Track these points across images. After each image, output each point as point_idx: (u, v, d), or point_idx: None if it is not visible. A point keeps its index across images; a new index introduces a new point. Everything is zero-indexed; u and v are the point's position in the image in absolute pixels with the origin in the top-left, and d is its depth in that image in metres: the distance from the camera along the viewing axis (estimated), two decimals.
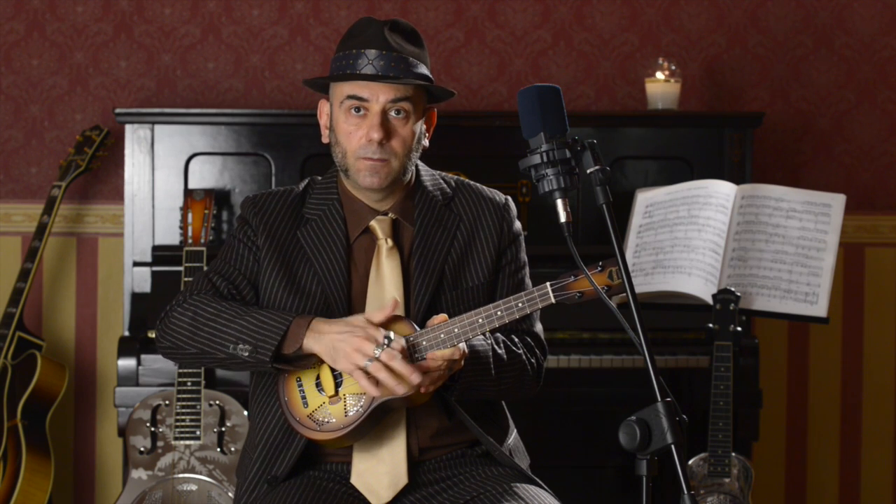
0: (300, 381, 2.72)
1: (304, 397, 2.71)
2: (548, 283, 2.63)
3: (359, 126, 2.76)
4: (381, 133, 2.74)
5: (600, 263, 2.59)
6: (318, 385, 2.71)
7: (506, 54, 4.85)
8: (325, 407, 2.69)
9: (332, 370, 2.70)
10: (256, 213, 2.84)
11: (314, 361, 2.70)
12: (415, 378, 2.61)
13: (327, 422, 2.69)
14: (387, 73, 2.73)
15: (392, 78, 2.73)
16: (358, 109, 2.76)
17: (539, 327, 2.90)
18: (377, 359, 2.61)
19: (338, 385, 2.70)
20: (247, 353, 2.67)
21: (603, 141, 4.38)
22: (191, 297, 2.77)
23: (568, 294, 2.61)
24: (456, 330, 2.64)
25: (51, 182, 4.69)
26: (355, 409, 2.68)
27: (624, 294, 2.30)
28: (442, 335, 2.64)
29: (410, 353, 2.64)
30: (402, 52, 2.75)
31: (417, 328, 2.68)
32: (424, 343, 2.65)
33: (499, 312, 2.64)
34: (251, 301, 2.81)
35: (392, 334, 2.62)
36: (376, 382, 2.62)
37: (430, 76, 2.80)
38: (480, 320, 2.64)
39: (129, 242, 4.43)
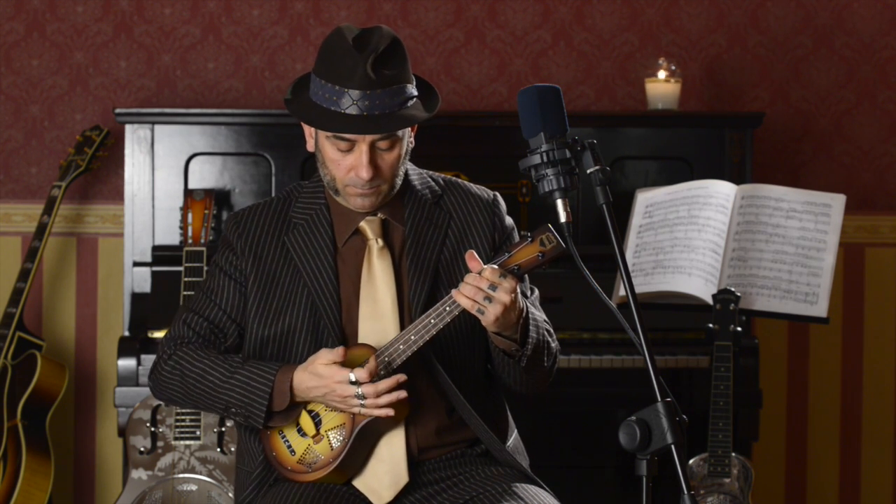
0: (282, 432, 2.73)
1: (289, 446, 2.72)
2: (485, 266, 2.62)
3: (345, 156, 2.71)
4: (370, 172, 2.69)
5: (529, 234, 2.62)
6: (300, 430, 2.72)
7: (506, 54, 4.85)
8: (311, 448, 2.70)
9: (309, 412, 2.71)
10: (241, 234, 2.81)
11: (299, 411, 2.71)
12: (402, 388, 2.64)
13: (316, 461, 2.69)
14: (372, 112, 2.65)
15: (379, 118, 2.66)
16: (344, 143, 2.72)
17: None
18: (365, 400, 2.63)
19: (318, 424, 2.70)
20: (240, 419, 2.72)
21: (603, 141, 4.37)
22: (175, 353, 2.77)
23: (507, 270, 2.61)
24: (412, 337, 2.65)
25: (51, 182, 4.69)
26: (339, 441, 2.69)
27: (626, 295, 2.30)
28: (401, 346, 2.66)
29: (383, 369, 2.66)
30: (386, 84, 2.66)
31: (376, 347, 2.68)
32: (386, 358, 2.66)
33: (448, 308, 2.64)
34: (233, 337, 2.81)
35: (352, 376, 2.62)
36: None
37: (415, 92, 2.73)
38: (432, 320, 2.65)
39: (129, 242, 4.43)
